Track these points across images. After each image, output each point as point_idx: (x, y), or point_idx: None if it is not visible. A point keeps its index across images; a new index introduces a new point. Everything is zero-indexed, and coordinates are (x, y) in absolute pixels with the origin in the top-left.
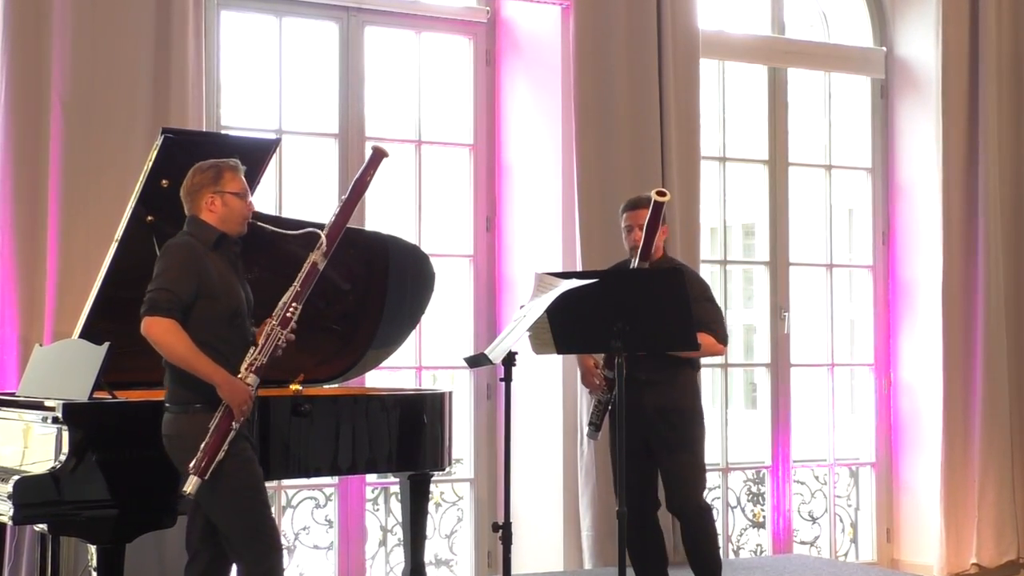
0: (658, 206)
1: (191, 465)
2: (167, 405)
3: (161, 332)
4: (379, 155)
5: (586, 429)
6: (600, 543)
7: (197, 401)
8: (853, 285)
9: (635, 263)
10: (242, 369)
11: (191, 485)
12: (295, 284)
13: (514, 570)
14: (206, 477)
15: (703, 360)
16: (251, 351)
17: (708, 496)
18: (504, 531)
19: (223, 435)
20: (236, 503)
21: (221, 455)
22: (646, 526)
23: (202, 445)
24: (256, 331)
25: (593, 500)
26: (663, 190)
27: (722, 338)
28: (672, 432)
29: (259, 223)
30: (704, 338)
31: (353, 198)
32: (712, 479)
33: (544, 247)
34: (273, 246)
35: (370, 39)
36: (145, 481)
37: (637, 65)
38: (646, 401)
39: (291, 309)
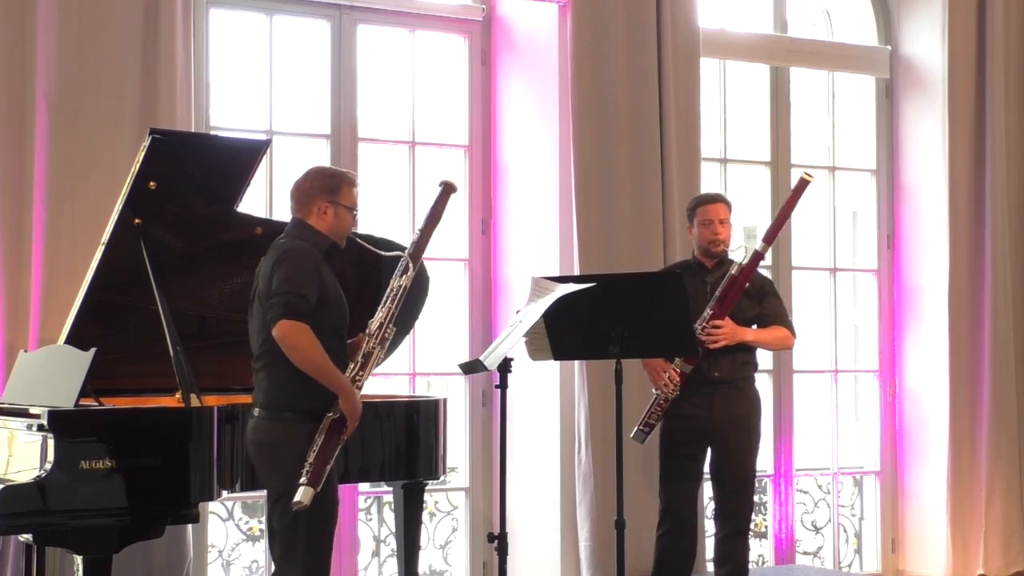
0: (803, 183)
1: (303, 475)
2: (259, 411)
3: (299, 336)
4: (448, 191)
5: (635, 431)
6: (598, 554)
7: (294, 410)
8: (857, 289)
9: (747, 257)
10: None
11: (306, 496)
12: (389, 305)
13: None
14: (319, 488)
15: None
16: (351, 367)
17: (709, 506)
18: (500, 541)
19: (334, 447)
20: (321, 522)
21: (331, 467)
22: (690, 532)
23: (311, 456)
24: (349, 343)
25: (591, 509)
26: (811, 172)
27: (794, 332)
28: (740, 446)
29: (357, 238)
30: (779, 331)
31: (430, 226)
32: (712, 488)
33: (541, 250)
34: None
35: (363, 38)
36: (133, 490)
37: (636, 64)
38: (716, 404)
39: (388, 330)
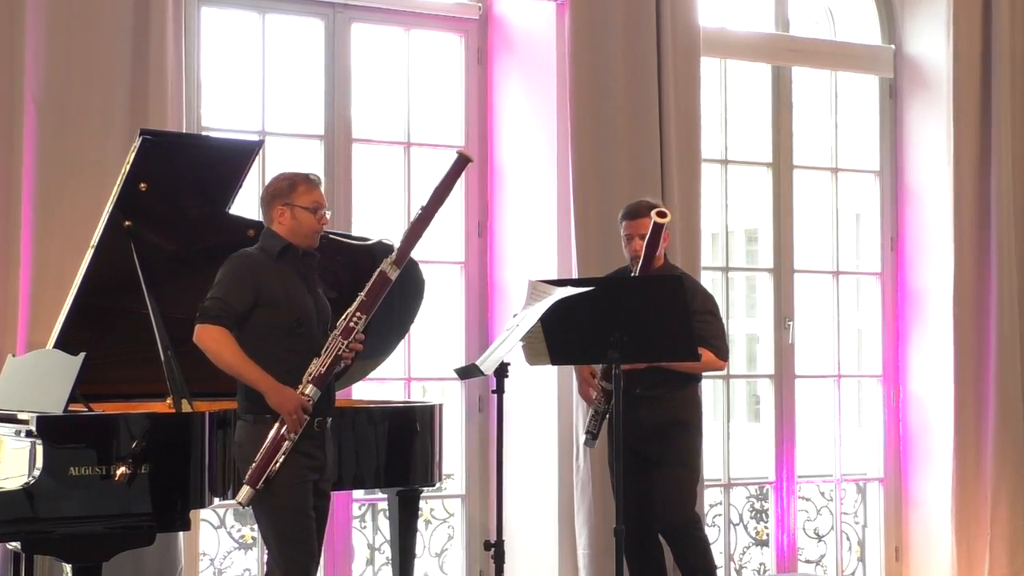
0: (658, 227)
1: (246, 475)
2: (238, 413)
3: (209, 339)
4: (463, 161)
5: (582, 438)
6: (597, 561)
7: (254, 412)
8: (860, 293)
9: (636, 273)
10: (304, 380)
11: (243, 495)
12: (361, 294)
13: None
14: (257, 486)
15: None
16: (314, 363)
17: (709, 513)
18: (497, 549)
19: (277, 446)
20: (275, 521)
21: (276, 466)
22: (645, 543)
23: (256, 457)
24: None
25: (589, 517)
26: (664, 211)
27: (723, 354)
28: (669, 447)
29: (331, 235)
30: (703, 353)
31: (433, 207)
32: (713, 495)
33: (538, 253)
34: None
35: (357, 36)
36: (122, 497)
37: (635, 64)
38: (643, 416)
39: (355, 319)
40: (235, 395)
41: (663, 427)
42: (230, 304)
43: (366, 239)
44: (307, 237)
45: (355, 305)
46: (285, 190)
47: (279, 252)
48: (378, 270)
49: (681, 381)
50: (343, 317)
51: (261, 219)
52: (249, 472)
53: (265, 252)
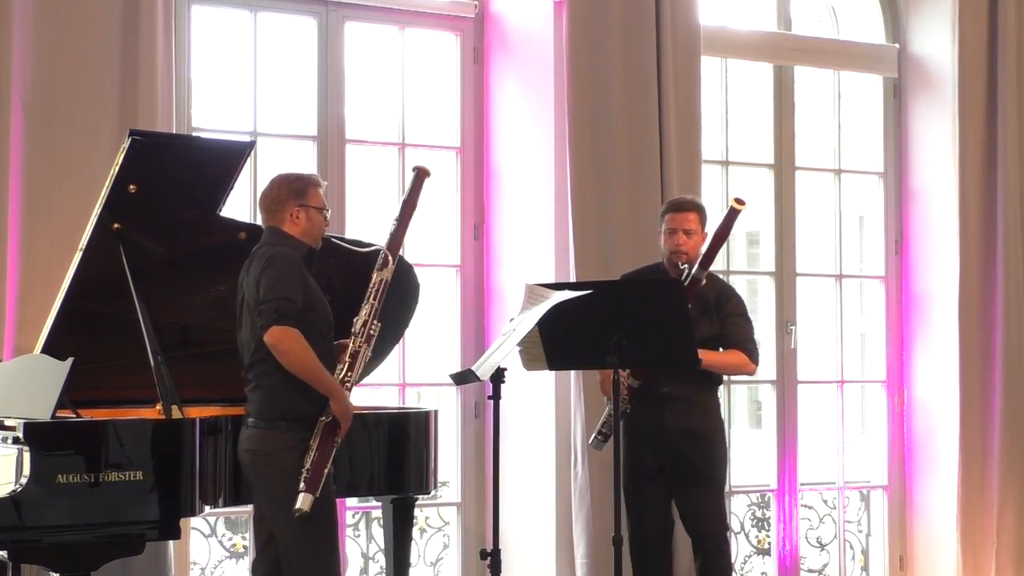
0: (734, 214)
1: (302, 482)
2: (252, 420)
3: (290, 340)
4: (422, 175)
5: (592, 438)
6: (595, 571)
7: (286, 419)
8: (864, 297)
9: (688, 270)
10: None
11: (305, 503)
12: (371, 302)
13: None
14: (318, 493)
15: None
16: (339, 368)
17: None
18: (493, 558)
19: (330, 450)
20: (311, 527)
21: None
22: (660, 552)
23: (307, 463)
24: (336, 345)
25: (587, 525)
26: (742, 198)
27: (755, 358)
28: (695, 463)
29: (333, 239)
30: (736, 356)
31: (405, 218)
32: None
33: (535, 256)
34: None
35: (350, 35)
36: (111, 505)
37: (635, 63)
38: (667, 421)
39: (374, 327)
40: (226, 401)
41: (689, 437)
42: (296, 304)
43: (364, 243)
44: (317, 239)
45: (370, 314)
46: (300, 190)
47: (307, 254)
48: (381, 279)
49: (710, 384)
50: (361, 326)
51: (261, 221)
52: (305, 479)
53: (296, 252)
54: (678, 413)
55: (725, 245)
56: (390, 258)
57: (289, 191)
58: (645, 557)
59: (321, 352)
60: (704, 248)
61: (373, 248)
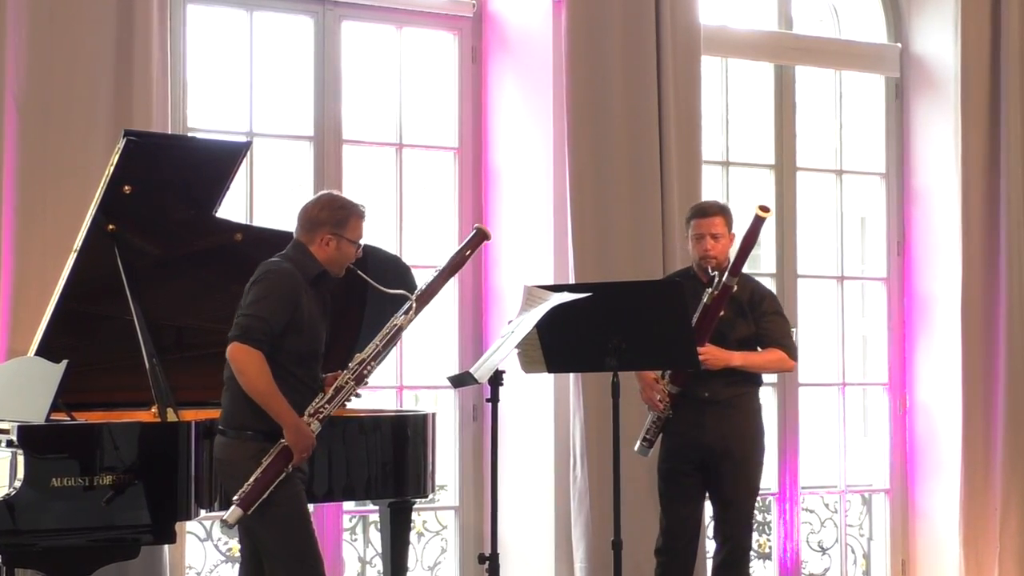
0: (759, 222)
1: (236, 496)
2: (221, 428)
3: (247, 362)
4: (481, 237)
5: (637, 445)
6: (595, 575)
7: (253, 428)
8: (866, 298)
9: (719, 277)
10: (306, 415)
11: (232, 516)
12: (377, 343)
13: None
14: (249, 512)
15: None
16: (319, 398)
17: (709, 526)
18: (491, 563)
19: (275, 474)
20: (284, 530)
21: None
22: (688, 555)
23: (251, 479)
24: (325, 378)
25: (587, 530)
26: (766, 205)
27: (794, 354)
28: (736, 466)
29: (358, 272)
30: (775, 354)
31: (449, 271)
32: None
33: (534, 258)
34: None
35: (347, 35)
36: (106, 509)
37: (634, 63)
38: (708, 423)
39: (369, 367)
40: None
41: (729, 440)
42: (272, 328)
43: (389, 258)
44: (341, 268)
45: (371, 353)
46: (341, 220)
47: (315, 277)
48: (397, 323)
49: (751, 386)
50: (356, 362)
51: (294, 230)
52: (242, 494)
53: (302, 272)
54: (720, 417)
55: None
56: (414, 307)
57: (330, 217)
58: (671, 556)
59: (301, 377)
60: (732, 256)
61: (399, 292)
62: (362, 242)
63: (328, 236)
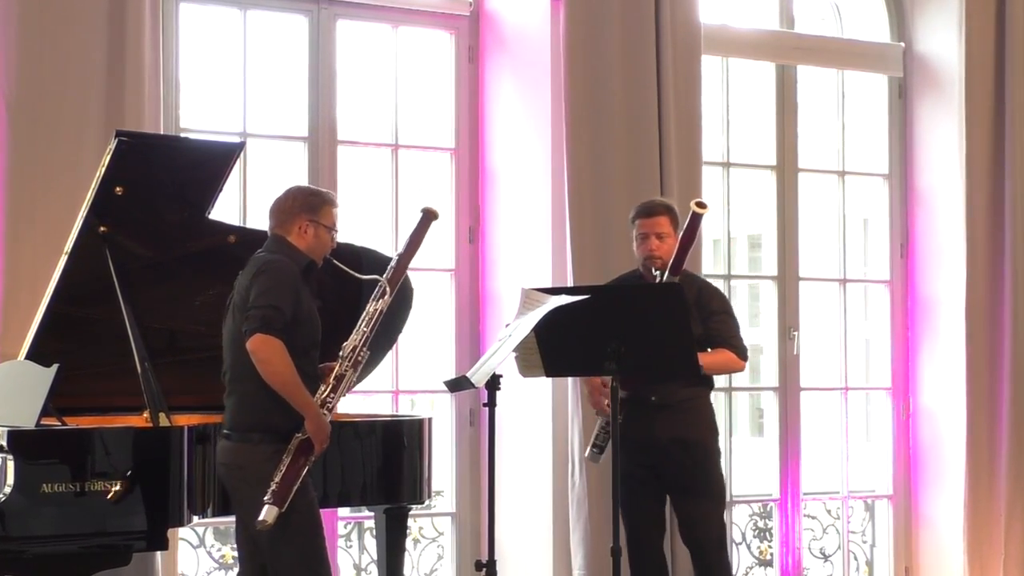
0: (696, 219)
1: (268, 494)
2: (228, 432)
3: (272, 351)
4: (429, 217)
5: (587, 451)
6: None
7: (262, 430)
8: (868, 301)
9: (660, 276)
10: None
11: (269, 515)
12: (363, 329)
13: None
14: (284, 507)
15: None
16: (322, 389)
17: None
18: (488, 569)
19: (301, 467)
20: (300, 539)
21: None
22: (652, 558)
23: (277, 476)
24: (322, 368)
25: (585, 536)
26: (703, 201)
27: (743, 354)
28: (690, 472)
29: (334, 261)
30: (724, 354)
31: (408, 254)
32: None
33: (532, 260)
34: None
35: (342, 34)
36: (97, 515)
37: (634, 62)
38: (658, 429)
39: (362, 354)
40: (215, 408)
41: (680, 445)
42: (287, 317)
43: (373, 253)
44: (321, 255)
45: (361, 340)
46: (314, 206)
47: (305, 267)
48: (377, 309)
49: (701, 389)
50: (350, 351)
51: (268, 228)
52: (272, 492)
53: (294, 264)
54: (670, 421)
55: (726, 249)
56: (388, 290)
57: (303, 204)
58: (639, 565)
59: (304, 369)
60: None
61: (371, 277)
62: (359, 244)
63: (305, 223)
